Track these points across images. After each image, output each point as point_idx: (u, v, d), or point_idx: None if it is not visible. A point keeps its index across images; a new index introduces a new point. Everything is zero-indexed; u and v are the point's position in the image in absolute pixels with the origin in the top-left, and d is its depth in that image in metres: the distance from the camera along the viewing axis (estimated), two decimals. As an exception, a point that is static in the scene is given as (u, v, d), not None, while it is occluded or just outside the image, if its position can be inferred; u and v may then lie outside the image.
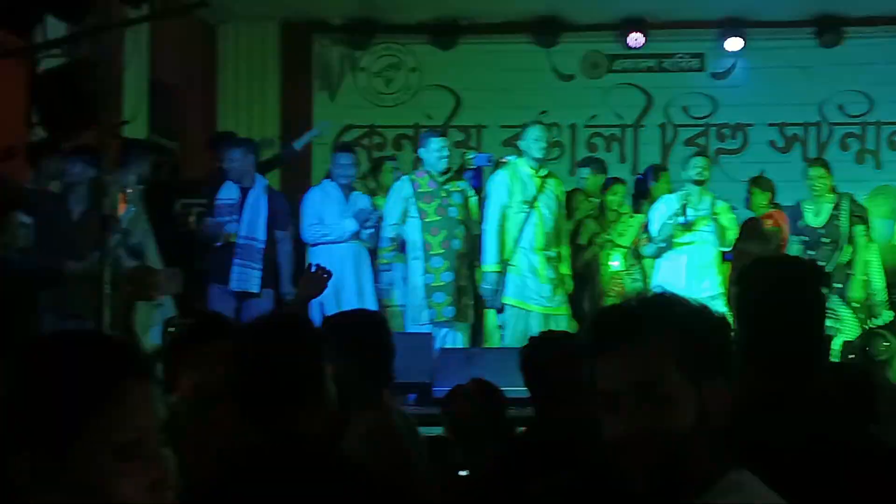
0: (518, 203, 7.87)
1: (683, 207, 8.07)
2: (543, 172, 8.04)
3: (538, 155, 7.93)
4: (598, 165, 9.55)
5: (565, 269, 8.17)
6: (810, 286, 2.47)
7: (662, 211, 8.27)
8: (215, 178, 8.33)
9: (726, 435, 1.72)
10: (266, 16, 11.17)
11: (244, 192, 8.00)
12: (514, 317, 7.92)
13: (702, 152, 8.86)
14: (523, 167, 7.97)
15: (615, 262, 8.82)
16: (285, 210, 8.15)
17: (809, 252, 8.00)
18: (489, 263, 7.83)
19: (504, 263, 7.85)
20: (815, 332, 2.47)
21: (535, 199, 7.89)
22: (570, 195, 8.82)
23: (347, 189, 8.29)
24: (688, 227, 8.09)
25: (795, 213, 8.33)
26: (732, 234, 8.36)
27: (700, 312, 1.73)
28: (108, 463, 1.33)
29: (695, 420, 1.67)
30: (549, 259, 7.95)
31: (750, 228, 8.67)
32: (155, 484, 1.35)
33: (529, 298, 7.91)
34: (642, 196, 9.39)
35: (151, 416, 1.39)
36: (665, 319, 1.70)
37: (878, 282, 8.28)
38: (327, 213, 8.22)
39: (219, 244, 7.89)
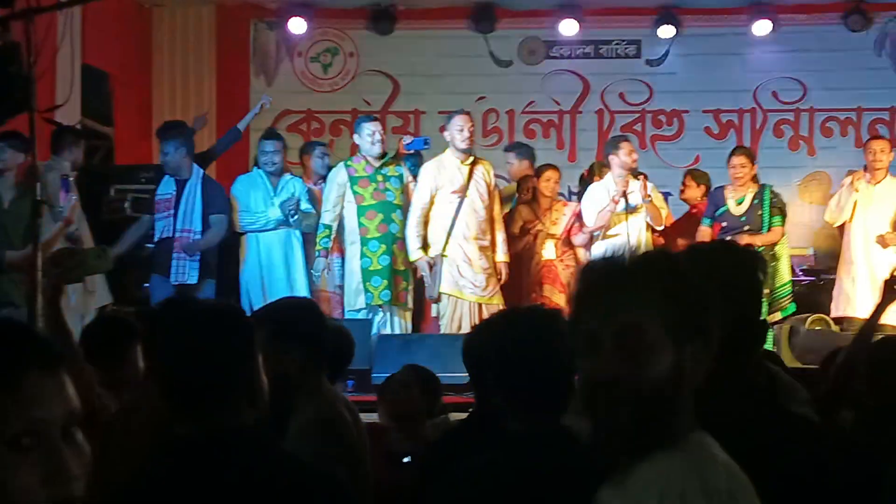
0: (447, 193, 7.86)
1: (625, 194, 8.10)
2: (470, 161, 8.02)
3: (461, 146, 7.92)
4: (525, 151, 9.46)
5: (501, 257, 8.17)
6: (748, 272, 2.49)
7: (596, 199, 8.29)
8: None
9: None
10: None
11: (181, 184, 8.00)
12: (450, 306, 7.95)
13: (627, 137, 8.84)
14: (449, 157, 7.96)
15: (547, 251, 8.81)
16: (221, 197, 8.11)
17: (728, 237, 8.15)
18: (412, 254, 7.83)
19: (437, 255, 7.84)
20: (754, 317, 2.49)
21: (464, 187, 7.88)
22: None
23: (275, 176, 8.24)
24: (633, 212, 8.13)
25: (718, 198, 8.42)
26: (665, 212, 8.45)
27: (684, 274, 1.78)
28: (2, 454, 1.31)
29: (669, 374, 1.71)
30: (482, 248, 7.96)
31: None
32: (50, 477, 1.33)
33: (465, 288, 7.93)
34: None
35: (54, 407, 1.36)
36: (650, 274, 1.75)
37: (786, 275, 8.44)
38: (253, 200, 8.20)
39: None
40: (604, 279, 1.77)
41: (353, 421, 3.57)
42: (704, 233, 8.33)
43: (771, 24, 10.96)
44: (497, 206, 8.25)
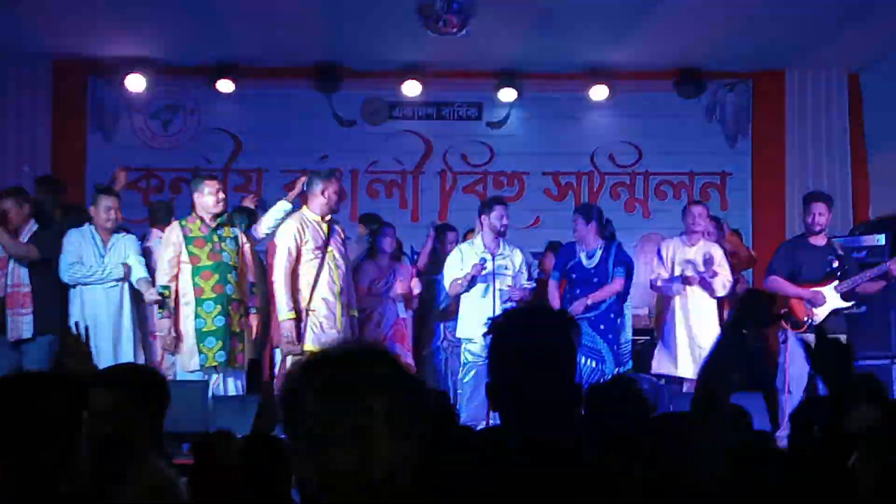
0: (310, 251, 7.83)
1: (491, 258, 8.31)
2: (329, 219, 8.03)
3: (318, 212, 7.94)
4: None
5: (356, 313, 8.17)
6: (561, 333, 2.52)
7: (449, 267, 8.52)
8: None
9: None
10: (37, 53, 10.79)
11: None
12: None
13: (502, 200, 9.01)
14: (310, 214, 7.95)
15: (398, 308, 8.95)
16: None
17: (577, 289, 8.31)
18: (283, 311, 7.72)
19: (302, 311, 7.75)
20: (566, 381, 2.52)
21: (325, 244, 7.88)
22: None
23: (107, 233, 8.06)
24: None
25: (569, 253, 8.61)
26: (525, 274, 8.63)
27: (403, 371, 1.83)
28: None
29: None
30: (344, 305, 7.93)
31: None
32: None
33: (328, 344, 7.84)
34: (432, 257, 9.55)
35: None
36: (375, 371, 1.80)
37: (629, 330, 8.71)
38: (85, 254, 7.99)
39: None
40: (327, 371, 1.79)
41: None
42: (553, 288, 8.56)
43: (607, 90, 11.27)
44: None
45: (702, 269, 8.55)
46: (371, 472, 1.71)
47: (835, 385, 3.29)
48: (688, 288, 8.65)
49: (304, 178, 8.27)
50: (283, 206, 8.21)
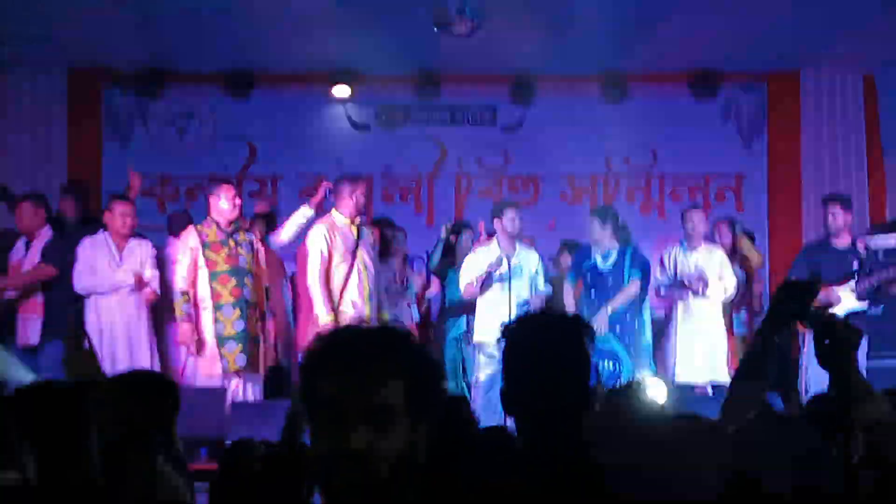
0: (339, 255, 7.86)
1: (507, 260, 8.30)
2: (358, 222, 8.08)
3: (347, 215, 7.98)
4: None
5: (387, 316, 8.22)
6: (575, 339, 2.52)
7: (466, 269, 8.51)
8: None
9: None
10: (52, 63, 10.84)
11: (29, 246, 8.06)
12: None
13: (514, 203, 9.01)
14: (339, 218, 7.99)
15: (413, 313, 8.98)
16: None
17: (592, 291, 8.27)
18: (322, 315, 7.75)
19: (336, 314, 7.79)
20: (580, 386, 2.52)
21: (355, 249, 7.93)
22: None
23: (122, 239, 8.08)
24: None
25: (584, 256, 8.60)
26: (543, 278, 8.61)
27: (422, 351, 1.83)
28: None
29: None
30: (373, 308, 7.97)
31: None
32: None
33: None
34: (447, 253, 9.55)
35: None
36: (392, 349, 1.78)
37: (648, 332, 8.70)
38: (99, 263, 8.01)
39: None
40: (347, 349, 1.77)
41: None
42: (568, 290, 8.54)
43: (621, 93, 11.25)
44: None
45: (695, 283, 8.52)
46: (385, 454, 1.71)
47: (840, 377, 3.25)
48: (689, 293, 8.64)
49: (327, 184, 8.31)
50: (305, 211, 8.25)
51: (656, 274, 8.84)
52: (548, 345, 2.47)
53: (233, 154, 11.39)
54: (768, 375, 2.92)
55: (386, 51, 10.42)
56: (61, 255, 7.96)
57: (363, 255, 7.97)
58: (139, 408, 3.32)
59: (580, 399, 2.52)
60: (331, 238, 7.87)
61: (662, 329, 9.00)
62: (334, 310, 7.74)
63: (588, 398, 2.57)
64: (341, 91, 11.07)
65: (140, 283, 7.96)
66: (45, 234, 8.10)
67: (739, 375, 2.89)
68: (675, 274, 8.72)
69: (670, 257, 8.84)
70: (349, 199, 7.96)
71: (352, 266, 7.89)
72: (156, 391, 3.51)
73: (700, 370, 8.52)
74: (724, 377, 8.15)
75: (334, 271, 7.86)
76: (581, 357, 2.50)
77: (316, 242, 7.89)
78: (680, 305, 8.69)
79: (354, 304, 7.83)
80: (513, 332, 2.54)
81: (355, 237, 7.96)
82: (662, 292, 8.78)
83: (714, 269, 8.68)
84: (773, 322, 2.82)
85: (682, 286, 8.62)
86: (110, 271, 7.95)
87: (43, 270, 7.93)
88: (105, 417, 3.03)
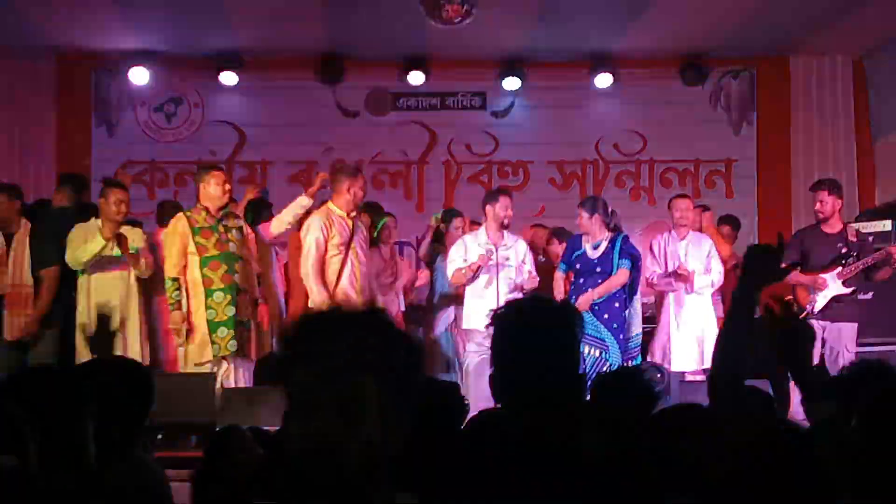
0: (334, 247, 7.86)
1: (495, 249, 8.28)
2: (354, 215, 8.07)
3: (343, 208, 7.98)
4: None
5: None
6: (564, 326, 2.52)
7: (452, 257, 8.48)
8: None
9: None
10: (42, 48, 10.79)
11: (8, 238, 7.88)
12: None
13: (507, 191, 8.97)
14: (336, 210, 7.98)
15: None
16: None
17: (580, 279, 8.28)
18: (318, 303, 7.74)
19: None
20: (568, 372, 2.53)
21: (350, 239, 7.92)
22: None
23: (115, 225, 8.05)
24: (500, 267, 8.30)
25: (575, 245, 8.59)
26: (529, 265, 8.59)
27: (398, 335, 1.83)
28: None
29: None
30: (364, 301, 7.95)
31: None
32: None
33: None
34: (438, 240, 9.54)
35: None
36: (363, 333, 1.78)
37: (638, 324, 8.69)
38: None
39: None
40: (322, 338, 1.76)
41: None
42: (558, 278, 8.52)
43: (612, 78, 11.25)
44: None
45: (682, 280, 8.54)
46: (356, 443, 1.69)
47: (797, 375, 3.28)
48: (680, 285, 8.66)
49: (324, 175, 8.30)
50: (302, 201, 8.24)
51: (647, 263, 8.84)
52: (536, 331, 2.47)
53: (222, 140, 11.38)
54: (753, 319, 2.97)
55: (374, 36, 10.41)
56: (49, 235, 7.92)
57: (357, 248, 7.97)
58: (114, 396, 3.29)
59: (569, 385, 2.53)
60: (327, 229, 7.86)
61: (654, 317, 9.01)
62: (330, 300, 7.73)
63: (577, 384, 2.57)
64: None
65: (133, 257, 7.88)
66: (23, 224, 8.00)
67: (728, 319, 2.95)
68: (666, 263, 8.73)
69: (660, 246, 8.85)
70: (346, 194, 7.96)
71: (346, 258, 7.88)
72: (130, 381, 3.45)
73: (692, 358, 8.54)
74: None
75: (328, 262, 7.86)
76: (570, 343, 2.50)
77: (312, 233, 7.89)
78: (671, 294, 8.70)
79: (347, 295, 7.82)
80: (501, 318, 2.54)
81: (350, 230, 7.96)
82: (655, 280, 8.79)
83: (702, 258, 8.69)
84: (748, 284, 2.87)
85: (672, 276, 8.62)
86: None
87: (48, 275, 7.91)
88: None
